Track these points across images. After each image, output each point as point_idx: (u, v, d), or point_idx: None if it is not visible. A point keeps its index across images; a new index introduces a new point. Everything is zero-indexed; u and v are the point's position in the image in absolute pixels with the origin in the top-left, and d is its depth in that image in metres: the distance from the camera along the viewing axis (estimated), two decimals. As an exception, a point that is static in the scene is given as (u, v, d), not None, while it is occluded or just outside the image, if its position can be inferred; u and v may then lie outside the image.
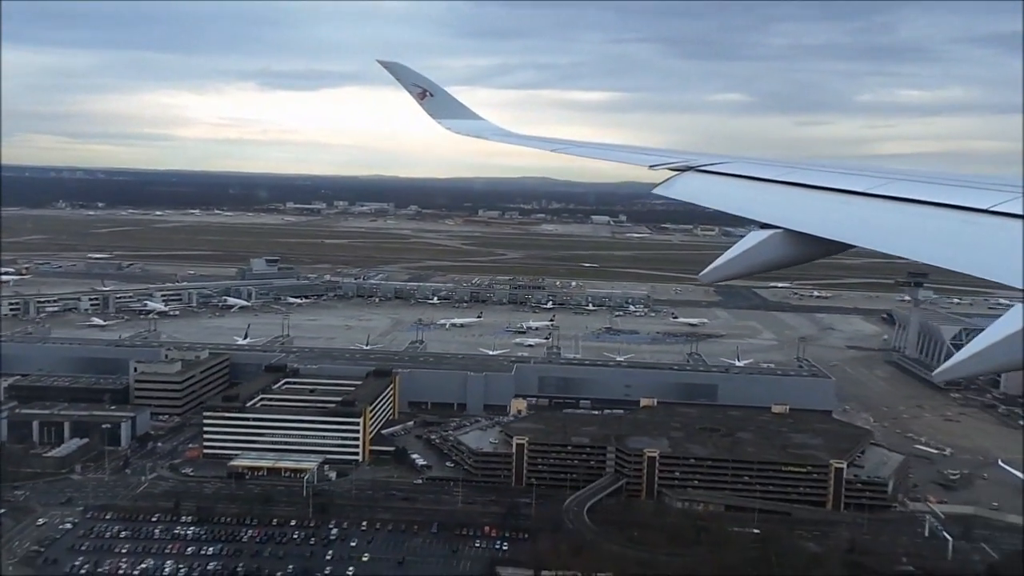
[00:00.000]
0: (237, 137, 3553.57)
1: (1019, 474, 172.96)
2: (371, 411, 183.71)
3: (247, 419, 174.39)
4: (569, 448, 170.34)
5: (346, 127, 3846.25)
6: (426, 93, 39.37)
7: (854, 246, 14.21)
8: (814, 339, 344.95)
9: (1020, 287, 10.43)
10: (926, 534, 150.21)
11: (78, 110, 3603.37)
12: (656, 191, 22.24)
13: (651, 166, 23.88)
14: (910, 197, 14.44)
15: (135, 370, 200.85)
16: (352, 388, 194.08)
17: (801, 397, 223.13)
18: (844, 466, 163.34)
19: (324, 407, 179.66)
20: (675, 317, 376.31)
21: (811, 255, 15.48)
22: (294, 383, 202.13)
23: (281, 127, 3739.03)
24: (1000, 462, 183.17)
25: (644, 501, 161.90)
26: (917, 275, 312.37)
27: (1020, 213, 12.04)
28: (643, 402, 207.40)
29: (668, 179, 22.32)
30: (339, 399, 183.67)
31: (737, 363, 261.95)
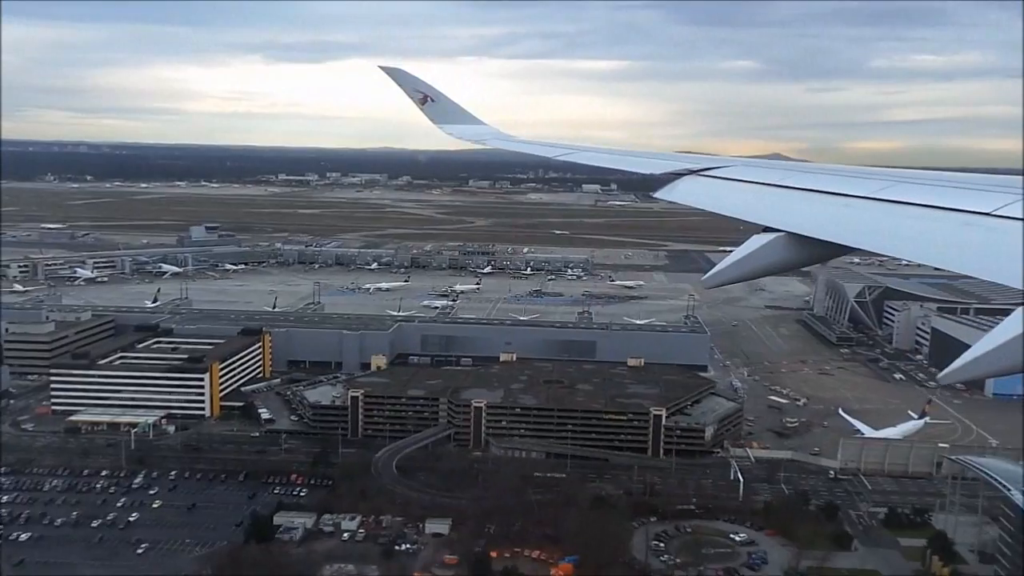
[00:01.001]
0: (245, 111, 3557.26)
1: (854, 422, 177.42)
2: (226, 368, 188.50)
3: (93, 376, 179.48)
4: (403, 400, 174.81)
5: (354, 99, 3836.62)
6: (427, 99, 40.07)
7: (857, 249, 14.27)
8: (738, 300, 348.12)
9: (1023, 289, 10.44)
10: (732, 477, 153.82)
11: (87, 84, 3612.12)
12: (657, 195, 22.96)
13: (650, 172, 24.96)
14: (913, 201, 14.50)
15: (6, 331, 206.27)
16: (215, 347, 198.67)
17: (677, 352, 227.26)
18: (663, 414, 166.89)
19: (171, 364, 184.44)
20: (612, 280, 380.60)
21: (814, 258, 15.63)
22: (162, 342, 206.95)
23: (289, 100, 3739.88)
24: (840, 411, 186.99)
25: (469, 449, 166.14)
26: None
27: (1022, 216, 12.04)
28: (502, 357, 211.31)
29: (670, 183, 22.96)
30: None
31: (636, 321, 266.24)
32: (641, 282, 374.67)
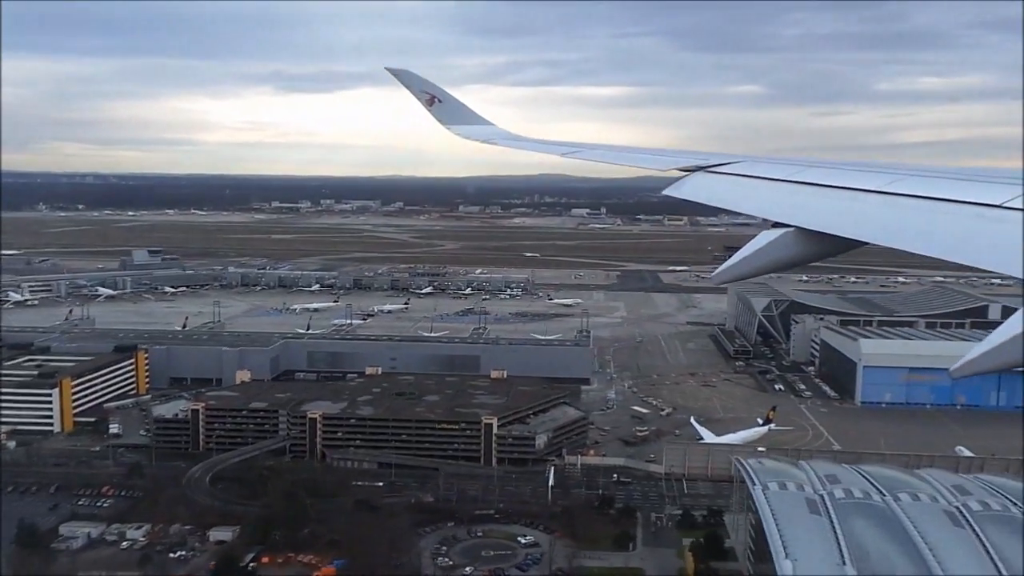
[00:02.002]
0: (257, 140, 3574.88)
1: (701, 430, 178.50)
2: (84, 384, 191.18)
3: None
4: (244, 412, 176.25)
5: (364, 128, 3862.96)
6: (434, 99, 39.53)
7: (867, 243, 14.26)
8: (664, 316, 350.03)
9: None
10: (549, 484, 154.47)
11: (102, 117, 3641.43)
12: (666, 192, 22.39)
13: (659, 168, 24.51)
14: (922, 194, 14.40)
15: None
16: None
17: (560, 366, 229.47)
18: (494, 423, 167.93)
19: (20, 380, 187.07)
20: (550, 299, 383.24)
21: (824, 253, 15.56)
22: (34, 359, 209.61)
23: (300, 129, 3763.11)
24: (692, 420, 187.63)
25: (305, 461, 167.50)
26: (731, 248, 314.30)
27: None
28: (367, 371, 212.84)
29: (678, 180, 22.38)
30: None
31: (542, 337, 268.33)
32: (579, 300, 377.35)
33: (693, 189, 21.50)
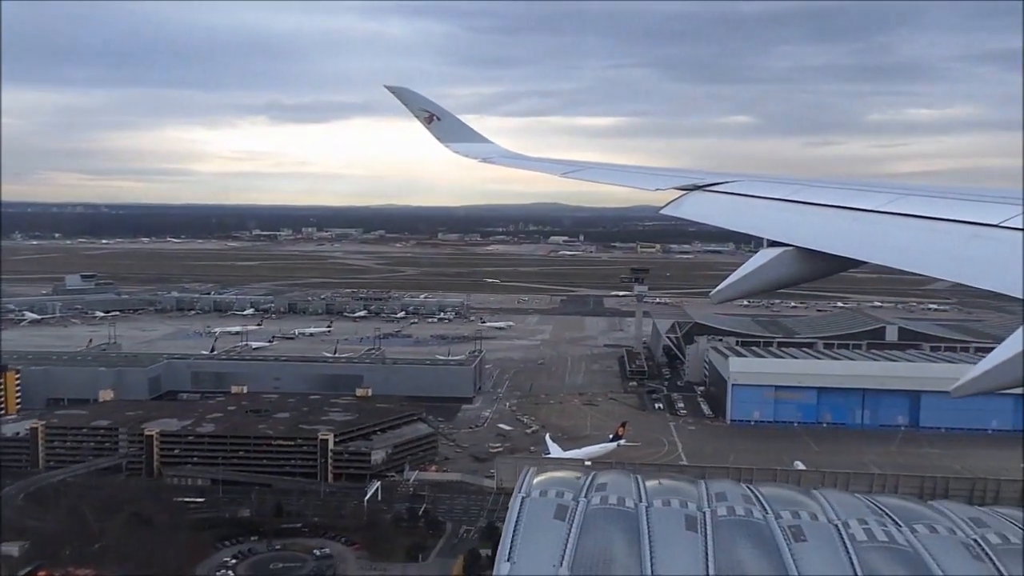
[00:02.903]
0: (252, 170, 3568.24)
1: (552, 446, 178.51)
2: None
3: None
4: (84, 431, 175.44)
5: (359, 158, 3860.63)
6: (433, 117, 39.60)
7: (865, 262, 14.22)
8: (585, 339, 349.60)
9: None
10: (378, 498, 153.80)
11: (97, 147, 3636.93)
12: (663, 211, 22.46)
13: (656, 188, 24.48)
14: (919, 213, 14.48)
15: None
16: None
17: (442, 385, 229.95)
18: (330, 439, 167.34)
19: None
20: (483, 322, 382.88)
21: (821, 272, 15.56)
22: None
23: (295, 159, 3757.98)
24: (546, 437, 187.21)
25: (140, 478, 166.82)
26: (639, 270, 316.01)
27: None
28: (233, 390, 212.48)
29: (675, 199, 22.34)
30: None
31: (441, 357, 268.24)
32: (511, 323, 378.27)
33: (691, 208, 21.42)
